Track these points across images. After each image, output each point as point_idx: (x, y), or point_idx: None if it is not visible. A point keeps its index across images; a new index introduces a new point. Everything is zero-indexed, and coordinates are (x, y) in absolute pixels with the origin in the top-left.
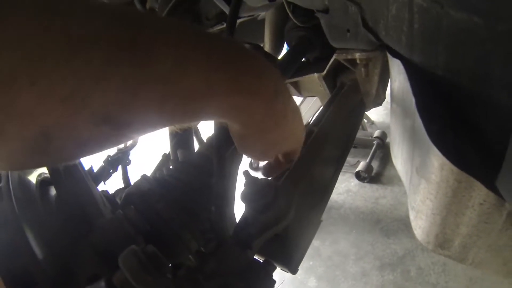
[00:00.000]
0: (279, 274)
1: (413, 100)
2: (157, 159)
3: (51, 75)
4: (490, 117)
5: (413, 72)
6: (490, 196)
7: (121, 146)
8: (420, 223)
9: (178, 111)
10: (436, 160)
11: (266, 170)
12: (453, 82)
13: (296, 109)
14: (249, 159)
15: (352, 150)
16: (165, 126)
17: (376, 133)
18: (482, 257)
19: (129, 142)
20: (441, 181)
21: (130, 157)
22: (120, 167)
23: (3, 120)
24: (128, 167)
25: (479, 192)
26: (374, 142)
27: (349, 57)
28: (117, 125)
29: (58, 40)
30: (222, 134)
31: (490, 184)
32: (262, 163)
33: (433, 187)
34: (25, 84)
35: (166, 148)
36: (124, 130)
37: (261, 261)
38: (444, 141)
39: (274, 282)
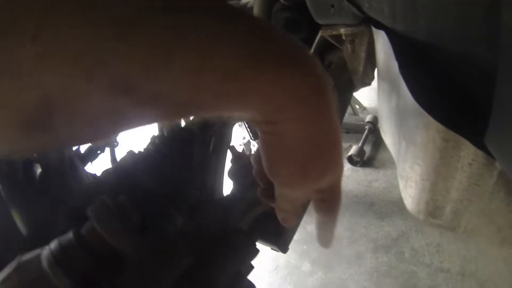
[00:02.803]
0: (272, 259)
1: (397, 66)
2: (146, 141)
3: (61, 27)
4: (474, 74)
5: (397, 40)
6: (479, 156)
7: None
8: (410, 192)
9: (217, 89)
10: (421, 119)
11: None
12: (435, 44)
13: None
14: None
15: (344, 135)
16: (200, 110)
17: (368, 118)
18: (474, 223)
19: None
20: (428, 142)
21: (118, 139)
22: (107, 149)
23: None
24: (116, 149)
25: (467, 151)
26: (366, 127)
27: (334, 32)
28: (140, 97)
29: None
30: None
31: (478, 141)
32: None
33: (420, 150)
34: (26, 35)
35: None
36: (146, 105)
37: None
38: (430, 101)
39: (258, 251)
